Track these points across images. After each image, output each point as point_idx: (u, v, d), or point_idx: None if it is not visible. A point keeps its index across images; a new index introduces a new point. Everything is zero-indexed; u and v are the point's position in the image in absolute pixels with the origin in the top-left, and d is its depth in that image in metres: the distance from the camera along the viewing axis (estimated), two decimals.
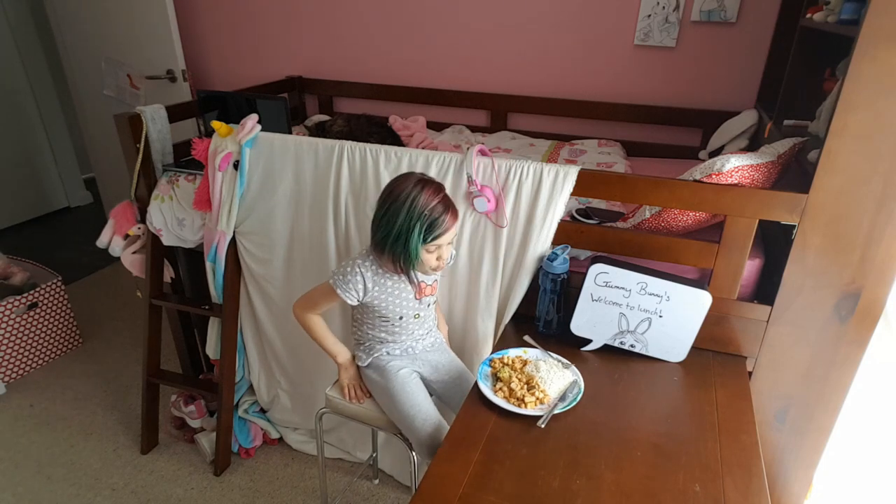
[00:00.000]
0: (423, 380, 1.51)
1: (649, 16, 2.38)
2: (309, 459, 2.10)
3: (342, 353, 1.49)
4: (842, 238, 1.28)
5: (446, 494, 1.01)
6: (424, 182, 1.25)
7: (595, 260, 1.39)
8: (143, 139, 1.84)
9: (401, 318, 1.40)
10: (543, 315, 1.49)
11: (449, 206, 1.26)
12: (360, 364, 1.50)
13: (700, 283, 1.35)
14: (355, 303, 1.36)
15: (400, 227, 1.22)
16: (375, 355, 1.46)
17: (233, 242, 1.83)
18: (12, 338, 2.44)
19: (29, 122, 3.94)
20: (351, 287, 1.32)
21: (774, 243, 1.53)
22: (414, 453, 1.45)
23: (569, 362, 1.35)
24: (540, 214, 1.48)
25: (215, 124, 1.70)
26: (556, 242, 1.50)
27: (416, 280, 1.36)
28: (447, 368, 1.52)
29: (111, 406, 2.36)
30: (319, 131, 2.25)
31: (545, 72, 2.63)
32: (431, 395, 1.52)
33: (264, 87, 2.75)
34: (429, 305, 1.45)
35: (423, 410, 1.41)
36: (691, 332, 1.37)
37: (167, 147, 1.93)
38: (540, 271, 1.48)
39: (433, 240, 1.25)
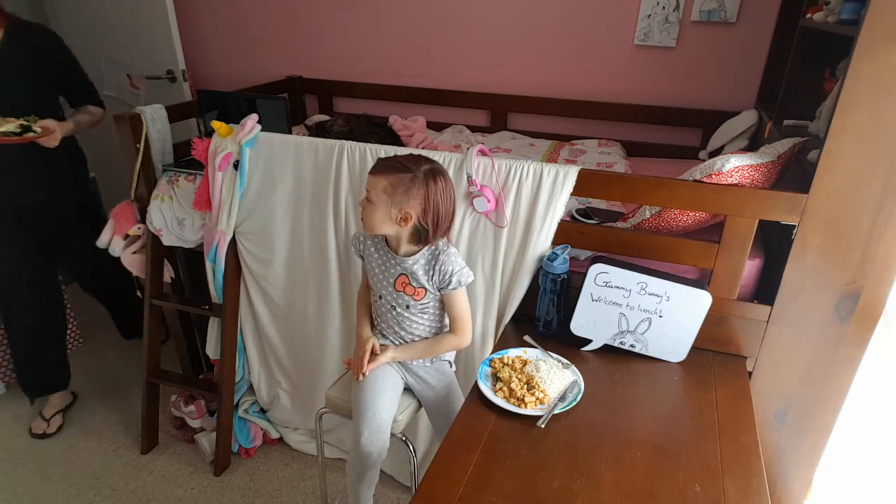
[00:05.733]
0: (411, 389, 1.50)
1: (649, 16, 2.38)
2: (309, 459, 2.10)
3: (365, 331, 1.47)
4: (842, 238, 1.28)
5: (446, 494, 1.01)
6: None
7: (595, 260, 1.39)
8: (143, 139, 1.84)
9: (380, 297, 1.41)
10: (543, 315, 1.49)
11: (381, 162, 1.31)
12: None
13: (700, 283, 1.35)
14: (358, 258, 1.48)
15: None
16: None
17: (233, 242, 1.83)
18: None
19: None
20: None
21: (774, 243, 1.53)
22: (416, 456, 1.44)
23: (569, 362, 1.35)
24: (540, 214, 1.47)
25: (215, 124, 1.70)
26: (556, 242, 1.50)
27: (392, 246, 1.38)
28: (435, 393, 1.49)
29: (111, 406, 2.36)
30: (319, 131, 2.25)
31: (545, 72, 2.63)
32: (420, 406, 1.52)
33: (264, 87, 2.75)
34: (408, 308, 1.38)
35: (377, 411, 1.37)
36: (691, 332, 1.37)
37: (167, 147, 1.93)
38: (540, 271, 1.48)
39: None
